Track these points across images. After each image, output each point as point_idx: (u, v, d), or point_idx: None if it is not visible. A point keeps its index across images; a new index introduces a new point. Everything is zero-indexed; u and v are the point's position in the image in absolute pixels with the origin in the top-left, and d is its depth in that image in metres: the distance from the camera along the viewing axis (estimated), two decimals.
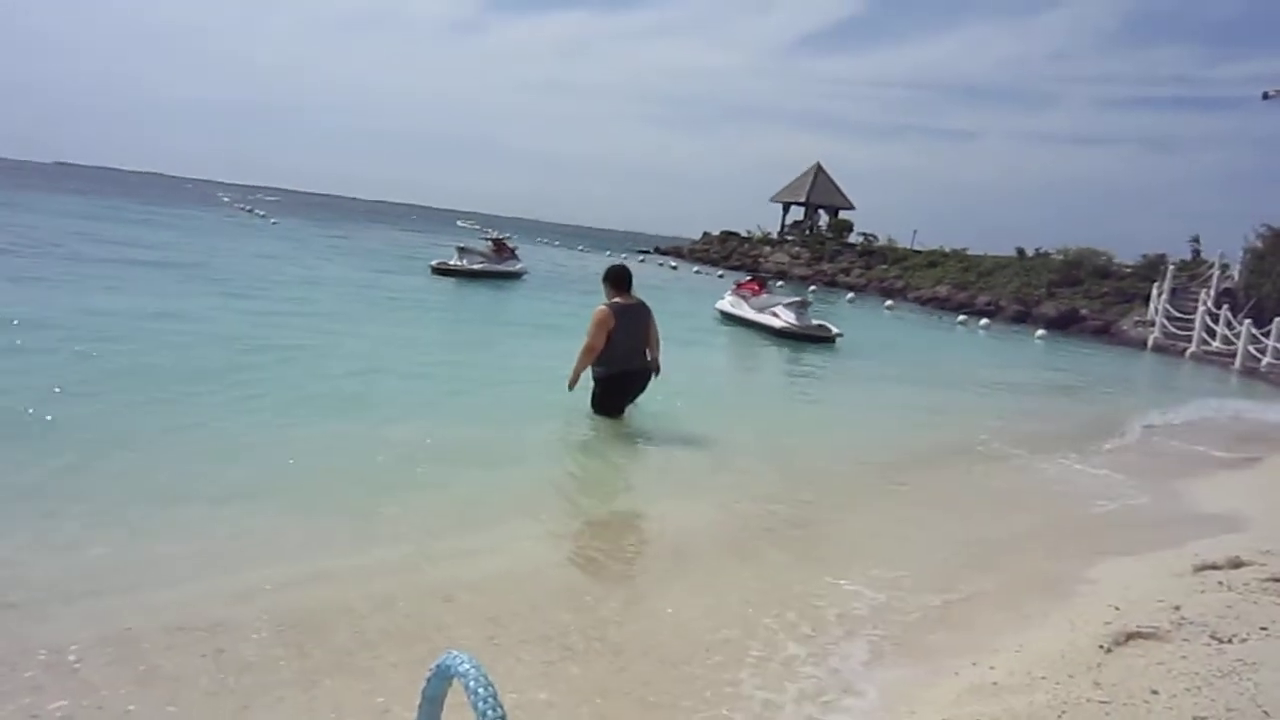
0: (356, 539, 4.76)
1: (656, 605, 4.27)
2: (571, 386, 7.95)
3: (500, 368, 11.39)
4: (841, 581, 4.72)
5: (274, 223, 48.96)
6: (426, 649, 3.45)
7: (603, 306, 7.90)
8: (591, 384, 8.07)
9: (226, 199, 77.84)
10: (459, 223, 40.04)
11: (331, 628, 3.62)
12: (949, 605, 4.57)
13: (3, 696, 2.92)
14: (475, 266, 25.29)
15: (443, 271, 24.99)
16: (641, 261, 52.15)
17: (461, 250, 26.39)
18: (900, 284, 41.08)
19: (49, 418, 6.26)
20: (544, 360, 10.53)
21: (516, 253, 29.01)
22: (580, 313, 10.68)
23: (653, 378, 8.19)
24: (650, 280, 36.32)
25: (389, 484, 5.77)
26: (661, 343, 8.24)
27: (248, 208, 64.01)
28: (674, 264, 51.14)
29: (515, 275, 26.97)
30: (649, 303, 8.29)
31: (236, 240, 30.95)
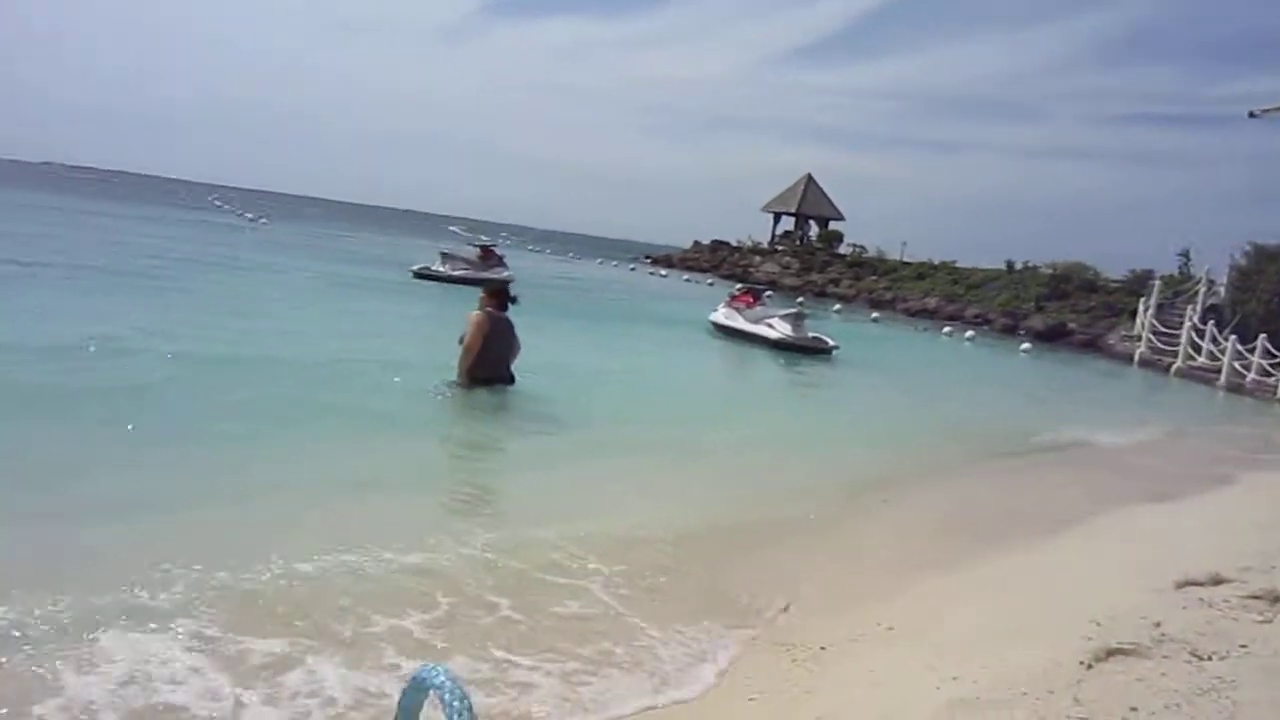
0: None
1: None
2: (464, 383, 8.57)
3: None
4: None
5: (263, 222, 49.17)
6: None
7: (479, 312, 8.63)
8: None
9: (218, 203, 77.53)
10: (450, 228, 40.16)
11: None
12: (927, 616, 4.61)
13: None
14: (457, 273, 25.01)
15: (424, 276, 24.79)
16: (633, 270, 52.26)
17: (445, 256, 26.49)
18: (889, 295, 41.25)
19: None
20: None
21: (505, 260, 28.97)
22: (548, 325, 11.00)
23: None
24: (641, 290, 36.42)
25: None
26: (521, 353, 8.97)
27: (237, 210, 63.83)
28: (664, 272, 51.24)
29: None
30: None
31: (207, 244, 30.77)
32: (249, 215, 56.80)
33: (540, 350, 11.43)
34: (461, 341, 8.58)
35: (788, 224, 56.12)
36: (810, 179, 55.81)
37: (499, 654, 3.77)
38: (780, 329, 18.23)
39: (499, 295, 8.91)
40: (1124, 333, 28.47)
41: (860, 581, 5.35)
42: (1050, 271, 34.88)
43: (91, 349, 8.95)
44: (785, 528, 6.21)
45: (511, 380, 8.88)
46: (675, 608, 4.51)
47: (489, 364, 8.63)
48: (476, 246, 28.90)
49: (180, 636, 3.52)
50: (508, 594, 4.34)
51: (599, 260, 57.08)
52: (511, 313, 8.96)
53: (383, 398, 8.53)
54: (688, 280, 45.56)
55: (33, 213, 31.55)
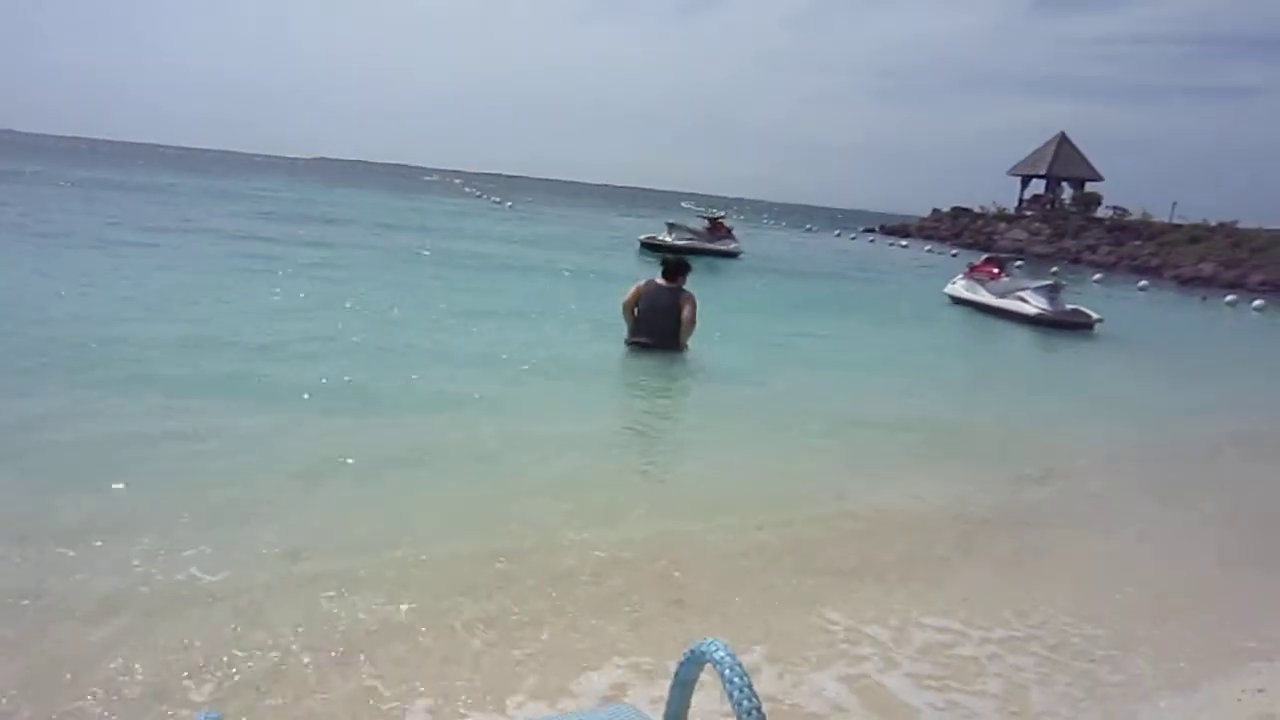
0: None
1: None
2: (629, 341, 9.56)
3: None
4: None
5: (510, 205, 52.15)
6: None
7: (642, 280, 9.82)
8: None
9: (468, 189, 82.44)
10: (683, 204, 40.91)
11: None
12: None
13: None
14: (681, 242, 25.34)
15: (651, 246, 25.56)
16: (872, 241, 50.72)
17: (671, 226, 27.67)
18: (1155, 262, 37.71)
19: None
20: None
21: (733, 232, 28.91)
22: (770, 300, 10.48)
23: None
24: (878, 262, 35.17)
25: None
26: (696, 326, 9.47)
27: (481, 194, 67.74)
28: (904, 243, 49.49)
29: (729, 254, 26.78)
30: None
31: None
32: (494, 199, 60.18)
33: (746, 326, 12.65)
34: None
35: (1037, 187, 52.60)
36: (1064, 138, 51.89)
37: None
38: (1036, 303, 16.67)
39: (667, 265, 9.76)
40: None
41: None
42: None
43: None
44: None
45: (679, 348, 9.49)
46: None
47: (647, 329, 9.50)
48: (706, 219, 29.30)
49: None
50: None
51: (836, 232, 55.81)
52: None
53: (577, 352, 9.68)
54: (929, 250, 43.62)
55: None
